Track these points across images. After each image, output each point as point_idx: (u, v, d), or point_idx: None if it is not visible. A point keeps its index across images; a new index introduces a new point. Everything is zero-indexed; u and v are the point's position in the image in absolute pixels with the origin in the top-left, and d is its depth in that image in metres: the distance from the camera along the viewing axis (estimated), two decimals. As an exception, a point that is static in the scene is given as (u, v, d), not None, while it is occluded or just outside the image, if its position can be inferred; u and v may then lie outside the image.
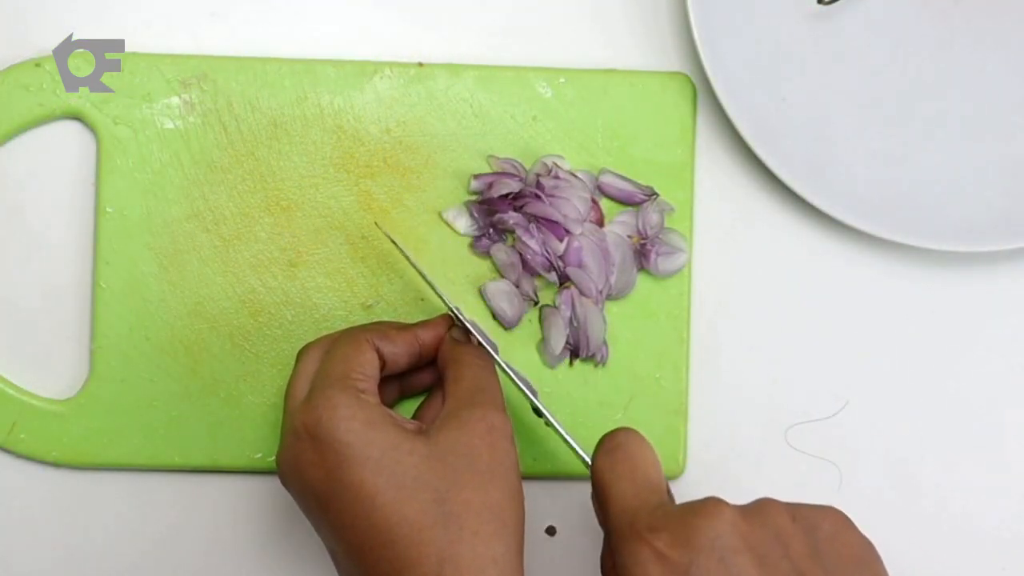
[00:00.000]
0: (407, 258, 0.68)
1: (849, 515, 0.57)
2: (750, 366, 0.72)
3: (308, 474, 0.60)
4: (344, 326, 0.70)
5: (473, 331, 0.65)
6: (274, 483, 0.69)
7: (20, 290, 0.70)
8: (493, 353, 0.65)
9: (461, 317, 0.66)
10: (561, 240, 0.69)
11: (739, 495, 0.57)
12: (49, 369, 0.70)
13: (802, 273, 0.73)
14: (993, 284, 0.73)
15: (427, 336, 0.66)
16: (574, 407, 0.70)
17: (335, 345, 0.63)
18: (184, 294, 0.70)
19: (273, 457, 0.69)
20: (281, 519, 0.71)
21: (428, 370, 0.67)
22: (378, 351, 0.63)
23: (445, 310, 0.67)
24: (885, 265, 0.73)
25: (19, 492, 0.70)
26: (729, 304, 0.72)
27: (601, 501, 0.58)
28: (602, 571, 0.58)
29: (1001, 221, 0.71)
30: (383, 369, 0.64)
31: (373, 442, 0.59)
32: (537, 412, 0.64)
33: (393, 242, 0.68)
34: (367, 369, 0.62)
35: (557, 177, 0.70)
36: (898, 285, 0.73)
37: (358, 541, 0.58)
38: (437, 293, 0.67)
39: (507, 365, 0.65)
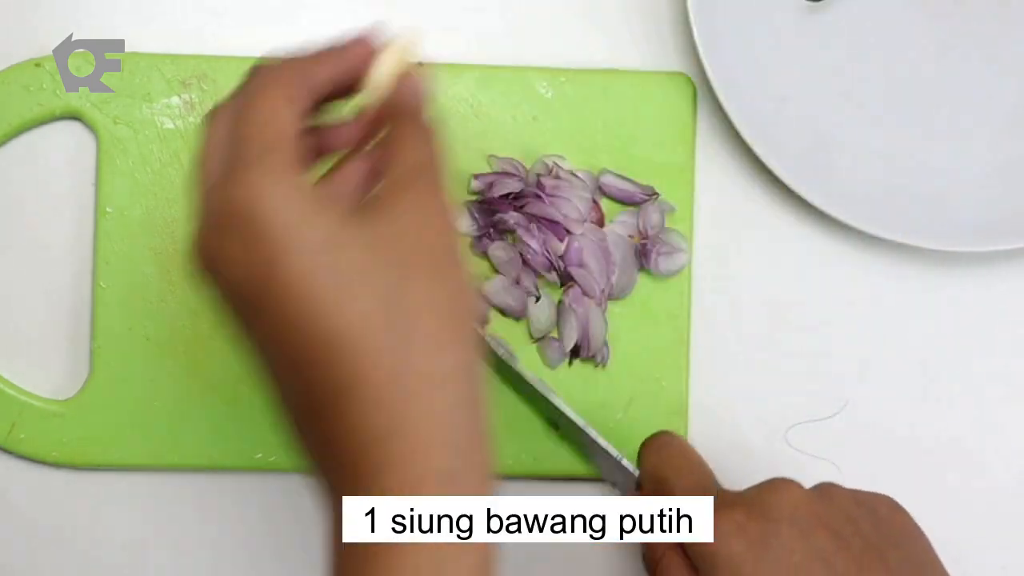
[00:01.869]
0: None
1: None
2: (750, 366, 0.72)
3: (233, 273, 0.48)
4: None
5: (491, 344, 0.65)
6: (275, 483, 0.69)
7: (20, 290, 0.70)
8: (512, 364, 0.65)
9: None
10: (561, 240, 0.69)
11: (740, 495, 0.57)
12: (49, 369, 0.70)
13: (802, 273, 0.73)
14: (993, 284, 0.73)
15: (353, 56, 0.54)
16: (574, 408, 0.70)
17: (248, 108, 0.50)
18: (184, 294, 0.70)
19: (274, 457, 0.69)
20: (281, 519, 0.71)
21: (353, 126, 0.54)
22: (299, 99, 0.51)
23: None
24: (885, 265, 0.73)
25: (19, 492, 0.70)
26: (729, 304, 0.72)
27: (663, 493, 0.61)
28: (645, 563, 0.60)
29: (1001, 221, 0.71)
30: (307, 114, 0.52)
31: (310, 229, 0.47)
32: (555, 425, 0.64)
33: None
34: (289, 130, 0.50)
35: (558, 177, 0.70)
36: (899, 285, 0.73)
37: (293, 356, 0.48)
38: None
39: (532, 376, 0.65)
